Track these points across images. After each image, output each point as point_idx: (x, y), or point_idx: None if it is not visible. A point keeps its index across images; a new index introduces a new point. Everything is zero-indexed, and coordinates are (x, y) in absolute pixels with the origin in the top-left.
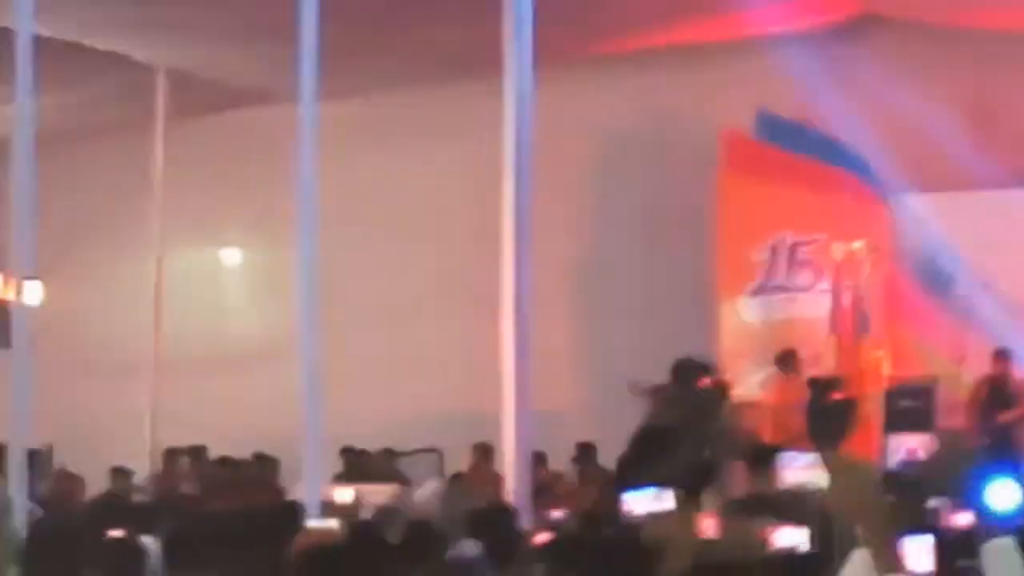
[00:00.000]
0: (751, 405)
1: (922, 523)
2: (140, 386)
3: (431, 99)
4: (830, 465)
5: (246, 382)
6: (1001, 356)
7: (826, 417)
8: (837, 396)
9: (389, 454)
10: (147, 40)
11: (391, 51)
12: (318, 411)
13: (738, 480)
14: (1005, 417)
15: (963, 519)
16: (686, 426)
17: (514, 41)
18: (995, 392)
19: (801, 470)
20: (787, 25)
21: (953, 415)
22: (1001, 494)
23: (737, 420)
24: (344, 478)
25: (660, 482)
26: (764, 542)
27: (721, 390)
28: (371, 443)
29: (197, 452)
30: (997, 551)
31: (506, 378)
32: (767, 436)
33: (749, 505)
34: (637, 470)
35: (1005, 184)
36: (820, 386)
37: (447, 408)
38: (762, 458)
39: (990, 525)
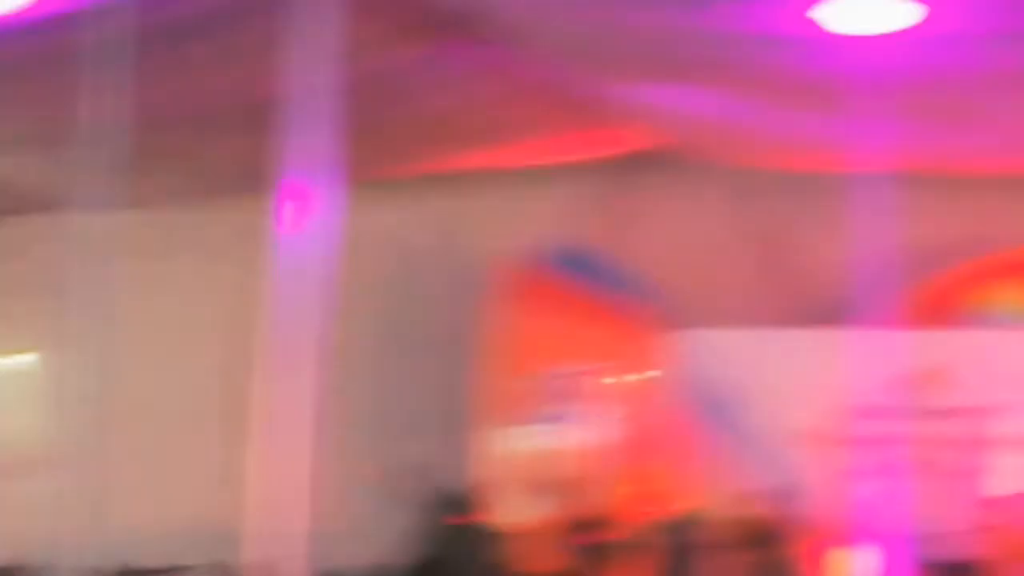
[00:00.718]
0: (521, 535)
1: None
2: None
3: (214, 214)
4: None
5: (30, 490)
6: (775, 493)
7: (593, 557)
8: (603, 536)
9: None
10: None
11: (177, 165)
12: (96, 521)
13: None
14: (783, 552)
15: None
16: (444, 562)
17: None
18: (769, 527)
19: None
20: (578, 154)
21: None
22: None
23: (501, 554)
24: None
25: None
26: None
27: (484, 525)
28: (118, 558)
29: None
30: None
31: (253, 496)
32: (536, 569)
33: None
34: None
35: (789, 322)
36: (584, 526)
37: (191, 525)
38: None
39: None
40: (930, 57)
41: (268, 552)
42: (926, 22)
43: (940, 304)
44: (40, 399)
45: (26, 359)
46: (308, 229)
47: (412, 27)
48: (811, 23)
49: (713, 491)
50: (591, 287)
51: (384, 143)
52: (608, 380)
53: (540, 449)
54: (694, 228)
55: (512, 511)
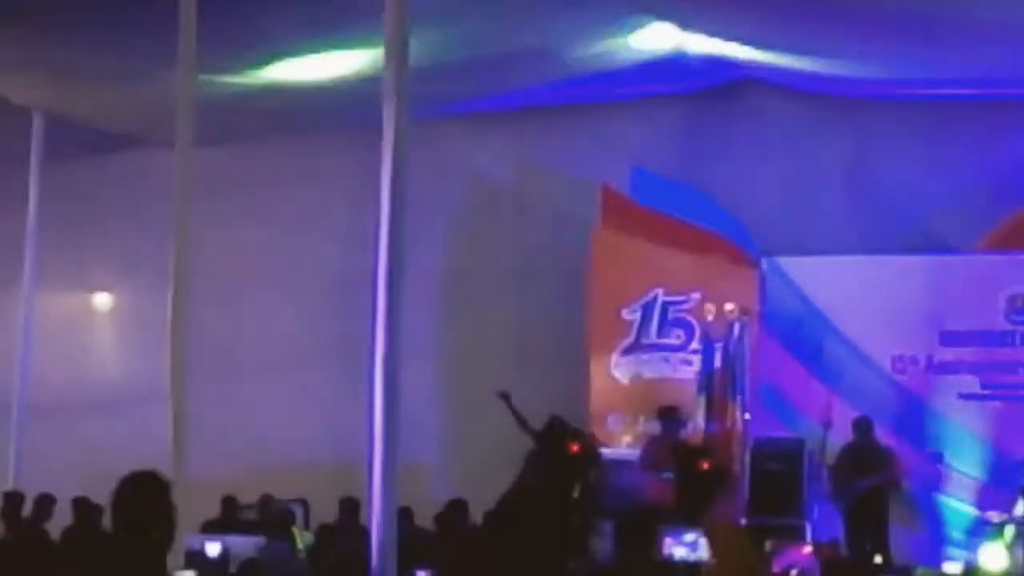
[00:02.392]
0: (623, 465)
1: None
2: (5, 428)
3: (305, 148)
4: (708, 534)
5: (114, 427)
6: (861, 424)
7: (693, 486)
8: (705, 465)
9: (266, 504)
10: (24, 81)
11: (266, 101)
12: (184, 459)
13: (608, 547)
14: (865, 483)
15: None
16: (555, 492)
17: (392, 92)
18: (856, 459)
19: (681, 543)
20: (666, 85)
21: (820, 478)
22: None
23: (606, 484)
24: (218, 527)
25: (527, 550)
26: None
27: (591, 455)
28: (238, 493)
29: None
30: None
31: (375, 431)
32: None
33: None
34: (504, 536)
35: (876, 249)
36: (687, 454)
37: (315, 460)
38: (633, 525)
39: None
40: None
41: (387, 485)
42: None
43: None
44: (121, 337)
45: (106, 297)
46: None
47: None
48: None
49: (807, 418)
50: (681, 217)
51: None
52: (703, 309)
53: (642, 377)
54: (780, 156)
55: (618, 438)
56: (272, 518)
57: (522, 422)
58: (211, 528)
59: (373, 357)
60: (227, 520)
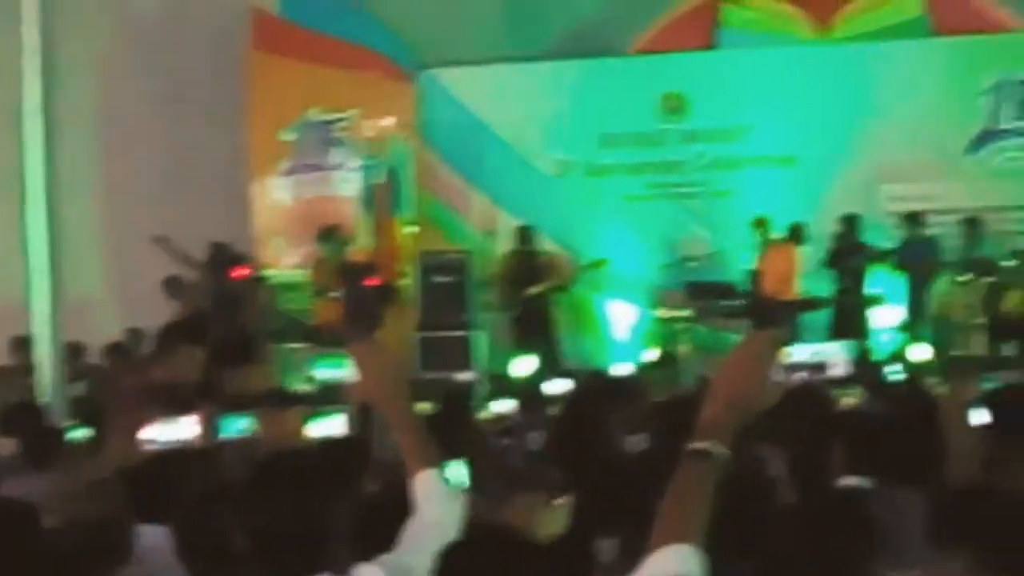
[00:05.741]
0: (288, 287)
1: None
2: None
3: None
4: (357, 351)
5: None
6: (523, 232)
7: (361, 304)
8: (372, 282)
9: None
10: None
11: None
12: None
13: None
14: (531, 291)
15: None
16: (220, 317)
17: None
18: (521, 266)
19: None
20: None
21: (486, 289)
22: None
23: (272, 308)
24: None
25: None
26: (297, 432)
27: (255, 279)
28: None
29: None
30: None
31: (36, 267)
32: (311, 318)
33: (281, 396)
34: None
35: (532, 56)
36: (353, 272)
37: None
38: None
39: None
40: None
41: (54, 321)
42: None
43: (681, 28)
44: None
45: None
46: None
47: None
48: None
49: (472, 228)
50: (335, 34)
51: None
52: (361, 126)
53: (304, 198)
54: None
55: (282, 260)
56: None
57: (185, 259)
58: None
59: (31, 190)
60: None
